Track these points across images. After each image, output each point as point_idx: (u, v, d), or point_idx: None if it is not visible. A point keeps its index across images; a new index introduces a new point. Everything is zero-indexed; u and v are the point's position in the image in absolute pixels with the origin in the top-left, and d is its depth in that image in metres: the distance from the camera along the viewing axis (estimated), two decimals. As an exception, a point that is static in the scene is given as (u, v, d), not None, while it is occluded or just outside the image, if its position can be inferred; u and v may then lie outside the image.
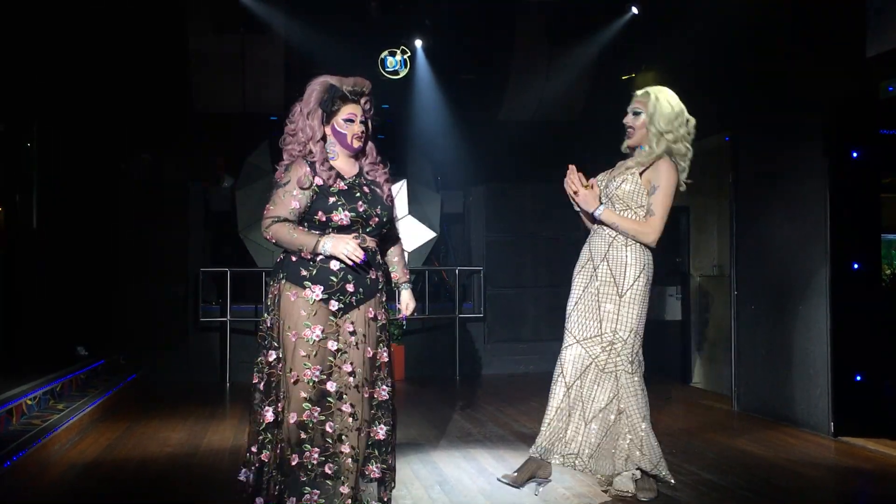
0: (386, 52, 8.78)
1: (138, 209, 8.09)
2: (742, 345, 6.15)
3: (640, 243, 3.80)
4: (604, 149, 8.39)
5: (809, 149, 5.44)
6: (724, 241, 7.47)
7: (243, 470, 3.28)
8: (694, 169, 8.87)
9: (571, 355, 3.83)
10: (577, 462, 3.79)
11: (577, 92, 8.77)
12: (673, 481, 3.83)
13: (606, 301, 3.80)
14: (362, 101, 3.42)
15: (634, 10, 7.91)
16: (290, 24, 8.02)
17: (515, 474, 3.92)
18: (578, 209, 3.88)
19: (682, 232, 8.78)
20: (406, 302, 3.61)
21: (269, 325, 3.29)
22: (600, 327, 3.80)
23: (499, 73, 8.82)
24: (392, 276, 3.60)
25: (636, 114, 3.88)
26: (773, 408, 5.77)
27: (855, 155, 5.25)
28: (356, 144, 3.37)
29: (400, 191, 9.73)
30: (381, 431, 3.32)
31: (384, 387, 3.34)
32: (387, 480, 3.35)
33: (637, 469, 3.79)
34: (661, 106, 3.83)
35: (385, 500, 3.35)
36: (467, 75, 9.21)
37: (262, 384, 3.27)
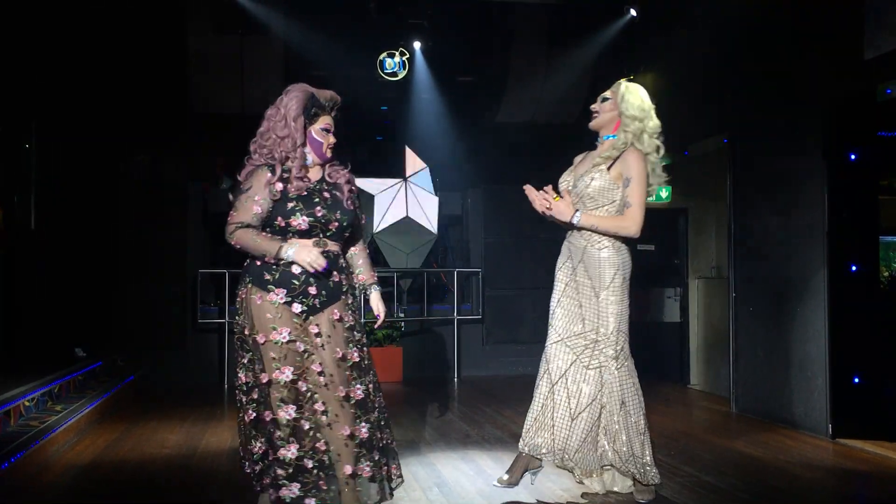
0: (384, 54, 8.79)
1: (137, 210, 8.09)
2: (740, 346, 6.16)
3: (622, 238, 3.81)
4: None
5: (808, 151, 5.44)
6: (723, 242, 7.49)
7: (246, 462, 3.38)
8: (692, 171, 8.91)
9: (556, 352, 3.85)
10: (564, 457, 3.78)
11: (576, 94, 8.78)
12: (656, 481, 3.81)
13: (586, 300, 3.83)
14: (334, 113, 3.54)
15: (633, 11, 7.92)
16: (289, 26, 8.03)
17: (508, 476, 3.89)
18: (552, 220, 3.88)
19: (681, 233, 8.79)
20: (376, 305, 3.69)
21: (240, 327, 3.39)
22: (583, 325, 3.83)
23: (497, 75, 8.82)
24: (359, 278, 3.68)
25: (604, 99, 3.93)
26: (771, 410, 5.78)
27: (853, 157, 5.25)
28: (329, 154, 3.49)
29: (399, 192, 9.75)
30: (363, 429, 3.35)
31: (359, 386, 3.37)
32: (379, 478, 3.38)
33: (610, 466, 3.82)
34: (630, 94, 3.87)
35: (377, 497, 3.38)
36: (466, 77, 9.22)
37: (243, 384, 3.37)
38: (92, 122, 7.97)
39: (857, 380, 5.20)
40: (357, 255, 3.71)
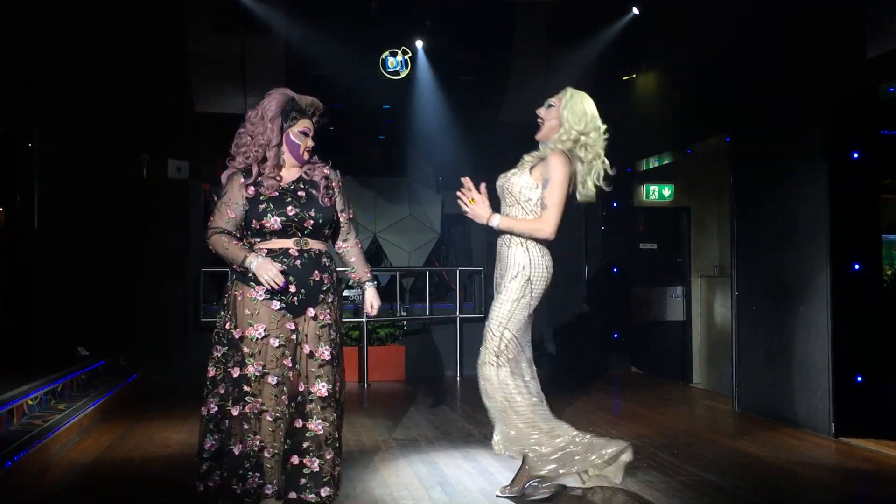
0: (387, 53, 8.78)
1: (139, 209, 8.10)
2: (743, 345, 6.15)
3: (539, 240, 3.80)
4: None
5: (810, 149, 5.44)
6: (725, 241, 7.49)
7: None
8: (694, 169, 8.88)
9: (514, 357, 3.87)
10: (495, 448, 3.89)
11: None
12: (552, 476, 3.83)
13: (496, 298, 3.87)
14: (314, 119, 3.65)
15: (635, 10, 7.91)
16: (291, 25, 8.02)
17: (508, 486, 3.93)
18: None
19: (683, 232, 8.79)
20: (370, 300, 3.79)
21: (222, 322, 3.52)
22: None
23: (499, 74, 8.82)
24: (352, 276, 3.84)
25: (549, 106, 3.91)
26: (774, 408, 5.77)
27: (855, 156, 5.25)
28: (306, 156, 3.60)
29: (401, 191, 9.74)
30: (318, 427, 3.49)
31: (323, 384, 3.49)
32: (323, 475, 3.49)
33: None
34: (573, 104, 3.85)
35: (322, 495, 3.49)
36: (468, 76, 9.22)
37: (210, 377, 3.52)
38: (93, 122, 7.98)
39: (859, 378, 5.19)
40: (349, 252, 3.83)
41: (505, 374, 3.79)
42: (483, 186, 3.88)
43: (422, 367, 8.33)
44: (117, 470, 4.48)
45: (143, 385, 7.31)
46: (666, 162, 8.11)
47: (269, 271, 3.38)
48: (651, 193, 8.76)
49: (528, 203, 3.82)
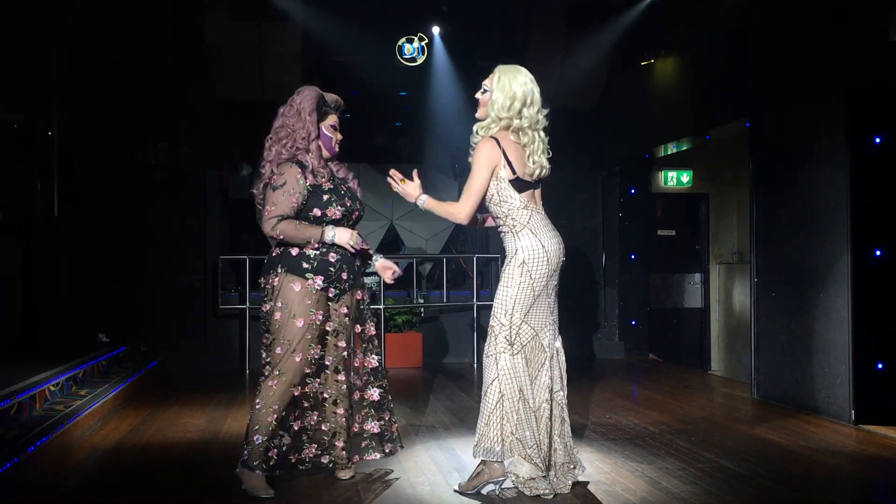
0: (403, 39, 8.76)
1: (157, 197, 8.15)
2: (762, 332, 6.11)
3: (536, 226, 3.72)
4: (622, 135, 8.35)
5: (831, 134, 5.37)
6: (744, 228, 7.44)
7: (257, 436, 3.68)
8: (713, 156, 8.81)
9: (532, 348, 3.77)
10: (476, 449, 3.74)
11: (595, 78, 8.70)
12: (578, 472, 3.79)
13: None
14: (338, 113, 3.96)
15: (653, -6, 7.83)
16: (308, 12, 8.01)
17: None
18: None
19: (702, 219, 8.74)
20: (384, 265, 3.96)
21: (267, 311, 3.74)
22: (552, 314, 3.82)
23: (516, 60, 8.75)
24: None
25: (484, 91, 3.83)
26: (793, 396, 5.74)
27: (878, 141, 5.18)
28: (337, 149, 3.90)
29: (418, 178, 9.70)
30: (374, 394, 3.92)
31: (373, 356, 3.93)
32: (386, 435, 3.94)
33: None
34: (501, 86, 3.72)
35: (387, 451, 3.95)
36: (484, 62, 9.17)
37: (266, 362, 3.76)
38: (112, 110, 8.02)
39: (880, 366, 5.15)
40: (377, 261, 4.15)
41: (520, 363, 3.69)
42: (415, 173, 3.86)
43: (439, 354, 8.35)
44: (138, 455, 4.53)
45: (162, 371, 7.38)
46: (684, 148, 8.04)
47: (352, 237, 3.69)
48: (669, 180, 8.70)
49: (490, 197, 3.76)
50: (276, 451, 3.75)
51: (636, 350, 8.59)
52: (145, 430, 5.13)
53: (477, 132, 3.78)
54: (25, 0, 6.75)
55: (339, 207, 3.74)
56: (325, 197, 3.72)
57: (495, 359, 3.70)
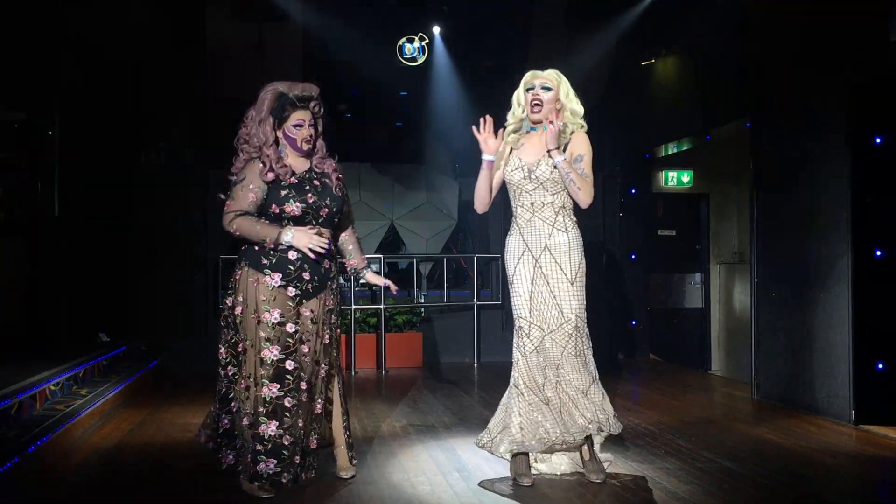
0: (404, 39, 8.76)
1: (158, 197, 8.14)
2: (762, 332, 6.11)
3: (576, 202, 3.89)
4: (622, 135, 8.34)
5: (831, 134, 5.37)
6: (745, 228, 7.44)
7: (204, 432, 3.73)
8: (714, 155, 8.80)
9: (546, 349, 3.85)
10: (602, 426, 3.87)
11: (596, 78, 8.70)
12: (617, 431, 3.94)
13: (559, 289, 3.85)
14: (311, 104, 3.70)
15: (652, -6, 7.83)
16: (308, 12, 8.02)
17: (526, 479, 3.87)
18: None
19: (702, 219, 8.73)
20: (378, 280, 3.97)
21: (229, 305, 3.67)
22: (562, 316, 3.85)
23: (517, 60, 8.77)
24: (350, 262, 3.93)
25: (546, 88, 3.94)
26: (794, 396, 5.74)
27: (878, 140, 5.18)
28: (305, 147, 3.68)
29: (418, 178, 9.71)
30: (344, 402, 3.86)
31: (323, 365, 3.73)
32: (348, 444, 3.88)
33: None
34: (570, 89, 3.99)
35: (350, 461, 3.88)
36: (485, 62, 9.18)
37: (222, 360, 3.68)
38: (113, 109, 8.02)
39: (880, 366, 5.15)
40: (347, 241, 3.94)
41: (591, 355, 3.92)
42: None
43: (439, 354, 8.35)
44: (138, 454, 4.53)
45: (163, 370, 7.38)
46: (685, 148, 8.04)
47: (310, 239, 3.52)
48: (670, 179, 8.70)
49: (554, 184, 3.87)
50: (252, 465, 3.61)
51: (636, 350, 8.59)
52: (146, 430, 5.13)
53: (567, 125, 3.92)
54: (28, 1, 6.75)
55: (297, 204, 3.57)
56: (283, 193, 3.58)
57: (584, 357, 3.88)
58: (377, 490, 3.80)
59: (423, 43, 8.79)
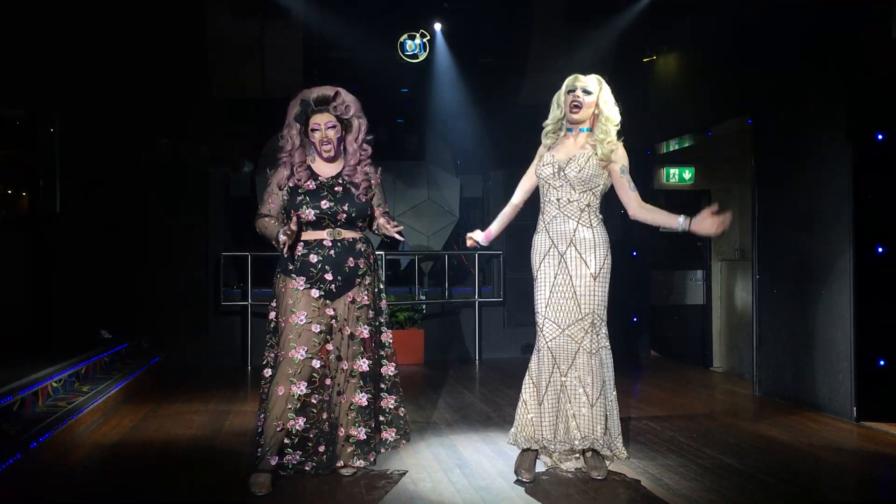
0: (405, 36, 8.75)
1: (159, 194, 8.15)
2: (764, 329, 6.11)
3: (627, 211, 4.10)
4: (623, 132, 8.31)
5: (833, 131, 5.37)
6: (746, 224, 7.41)
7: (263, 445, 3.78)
8: (715, 152, 8.80)
9: (559, 345, 3.89)
10: (588, 443, 3.84)
11: (598, 74, 8.68)
12: (624, 456, 3.95)
13: (580, 284, 3.89)
14: (331, 107, 3.86)
15: (655, -10, 7.82)
16: (309, 9, 8.01)
17: (527, 474, 3.89)
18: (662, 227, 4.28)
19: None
20: (387, 227, 3.87)
21: (270, 311, 3.91)
22: (580, 311, 3.87)
23: (518, 57, 8.76)
24: (374, 224, 3.98)
25: (587, 92, 3.98)
26: (795, 392, 5.74)
27: (880, 137, 5.17)
28: (324, 151, 3.85)
29: (420, 175, 9.72)
30: (363, 399, 3.84)
31: (364, 360, 3.84)
32: (373, 442, 3.89)
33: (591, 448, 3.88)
34: (610, 97, 4.01)
35: (371, 460, 3.90)
36: (487, 59, 9.17)
37: (268, 362, 3.89)
38: (113, 107, 8.02)
39: (882, 362, 5.14)
40: (377, 218, 3.99)
41: (610, 355, 3.95)
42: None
43: (440, 351, 8.35)
44: (140, 451, 4.53)
45: (165, 368, 7.38)
46: (687, 145, 8.03)
47: (280, 235, 3.67)
48: (671, 176, 8.68)
49: (596, 189, 3.98)
50: (278, 457, 3.74)
51: (638, 347, 8.58)
52: (147, 427, 5.14)
53: (608, 134, 3.97)
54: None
55: (310, 209, 3.77)
56: (299, 198, 3.80)
57: (600, 355, 3.91)
58: (379, 487, 3.80)
59: (425, 40, 8.78)
